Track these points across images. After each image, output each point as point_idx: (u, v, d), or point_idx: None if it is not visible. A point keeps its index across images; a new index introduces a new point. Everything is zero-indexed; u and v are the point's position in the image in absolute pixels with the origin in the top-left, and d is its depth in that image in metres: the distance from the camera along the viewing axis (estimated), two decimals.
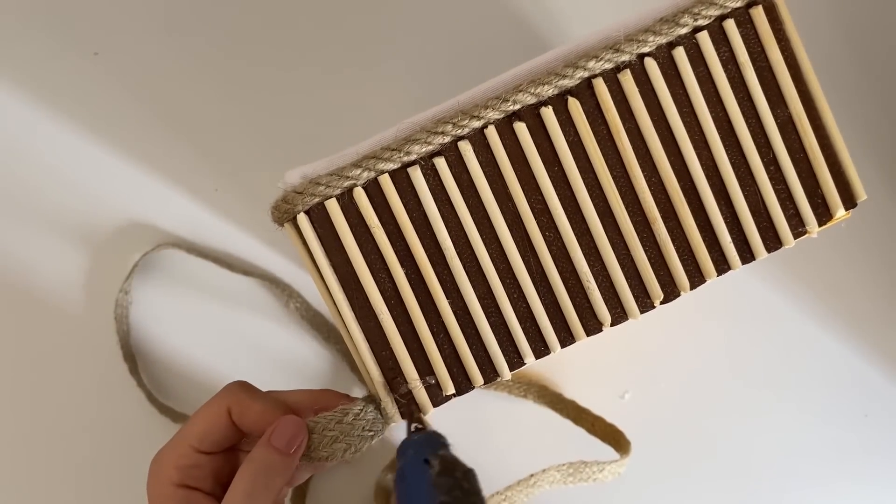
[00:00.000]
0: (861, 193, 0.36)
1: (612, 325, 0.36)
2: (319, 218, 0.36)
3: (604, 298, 0.36)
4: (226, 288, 0.49)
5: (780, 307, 0.49)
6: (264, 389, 0.37)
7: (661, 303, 0.36)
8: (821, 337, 0.49)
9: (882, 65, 0.49)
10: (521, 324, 0.36)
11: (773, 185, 0.36)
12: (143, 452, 0.47)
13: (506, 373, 0.36)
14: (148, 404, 0.48)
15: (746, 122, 0.36)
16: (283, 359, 0.49)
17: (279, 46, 0.49)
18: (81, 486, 0.48)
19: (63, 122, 0.49)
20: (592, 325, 0.36)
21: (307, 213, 0.36)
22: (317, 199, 0.36)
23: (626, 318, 0.36)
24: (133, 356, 0.48)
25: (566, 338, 0.36)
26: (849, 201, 0.36)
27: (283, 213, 0.36)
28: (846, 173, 0.36)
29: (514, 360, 0.36)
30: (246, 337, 0.49)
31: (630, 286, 0.36)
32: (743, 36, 0.36)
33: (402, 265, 0.36)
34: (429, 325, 0.36)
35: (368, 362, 0.36)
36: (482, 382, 0.36)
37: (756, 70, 0.36)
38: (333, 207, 0.36)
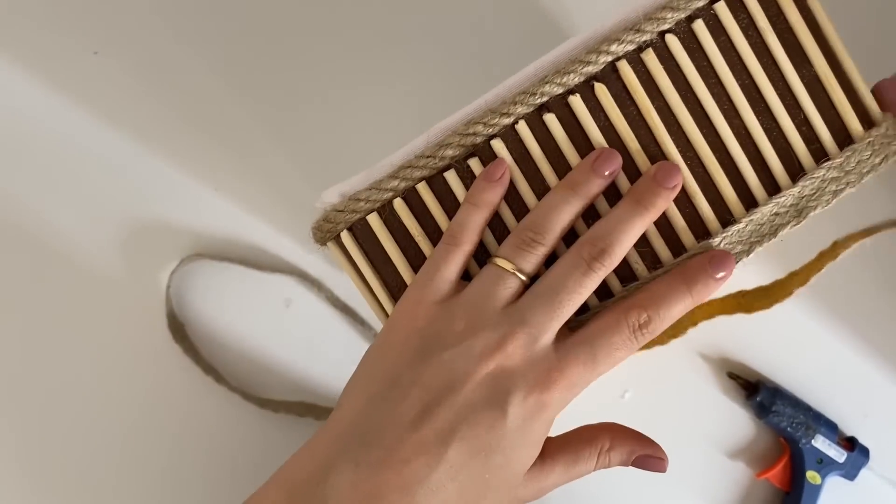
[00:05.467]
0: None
1: None
2: (363, 233, 0.36)
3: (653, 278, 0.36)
4: (256, 285, 0.49)
5: (779, 306, 0.48)
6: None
7: None
8: (821, 336, 0.49)
9: None
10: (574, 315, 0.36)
11: (808, 147, 0.36)
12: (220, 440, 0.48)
13: None
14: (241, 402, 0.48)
15: (773, 85, 0.36)
16: (325, 347, 0.49)
17: (288, 45, 0.49)
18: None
19: (64, 121, 0.48)
20: None
21: (350, 229, 0.36)
22: (358, 216, 0.36)
23: None
24: (214, 367, 0.48)
25: None
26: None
27: (326, 233, 0.36)
28: (878, 122, 0.36)
29: None
30: (288, 331, 0.49)
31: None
32: (760, 0, 0.36)
33: None
34: None
35: None
36: None
37: (777, 33, 0.36)
38: (375, 221, 0.36)
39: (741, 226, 0.35)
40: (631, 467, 0.35)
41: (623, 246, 0.33)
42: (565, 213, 0.33)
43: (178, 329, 0.48)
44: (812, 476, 0.47)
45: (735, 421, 0.49)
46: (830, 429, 0.48)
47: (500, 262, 0.32)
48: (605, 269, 0.33)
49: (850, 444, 0.48)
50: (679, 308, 0.33)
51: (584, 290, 0.32)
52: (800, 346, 0.49)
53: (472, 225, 0.34)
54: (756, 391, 0.48)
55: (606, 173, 0.34)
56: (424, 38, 0.49)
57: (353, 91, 0.49)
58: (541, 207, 0.33)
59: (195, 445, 0.48)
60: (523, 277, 0.32)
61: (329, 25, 0.49)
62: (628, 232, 0.33)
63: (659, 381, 0.49)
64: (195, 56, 0.49)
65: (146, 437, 0.48)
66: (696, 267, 0.34)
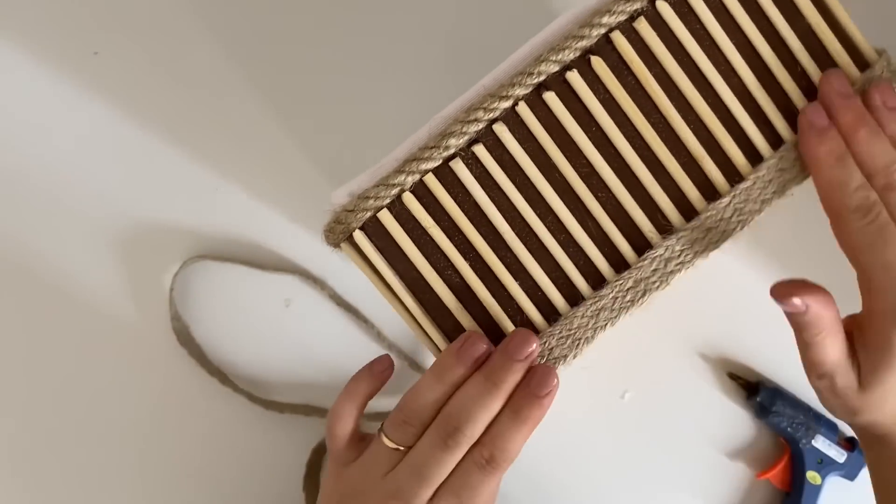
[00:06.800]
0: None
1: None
2: (375, 231, 0.36)
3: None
4: (259, 285, 0.49)
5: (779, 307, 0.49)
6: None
7: None
8: None
9: None
10: (595, 292, 0.36)
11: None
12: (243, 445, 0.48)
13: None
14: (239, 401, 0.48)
15: (768, 41, 0.36)
16: (332, 345, 0.49)
17: (289, 46, 0.49)
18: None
19: (63, 123, 0.48)
20: None
21: (362, 228, 0.36)
22: (369, 213, 0.36)
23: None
24: (219, 368, 0.48)
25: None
26: None
27: (339, 235, 0.36)
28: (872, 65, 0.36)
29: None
30: (292, 330, 0.49)
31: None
32: None
33: (466, 257, 0.36)
34: (505, 311, 0.36)
35: None
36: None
37: None
38: (387, 217, 0.36)
39: (749, 184, 0.36)
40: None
41: (477, 424, 0.34)
42: (431, 398, 0.35)
43: (183, 331, 0.48)
44: (812, 476, 0.47)
45: (735, 421, 0.49)
46: (830, 429, 0.47)
47: (385, 440, 0.36)
48: (464, 444, 0.34)
49: (851, 444, 0.47)
50: (517, 437, 0.34)
51: (449, 461, 0.35)
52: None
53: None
54: (756, 391, 0.48)
55: (471, 361, 0.35)
56: (421, 25, 0.49)
57: (351, 88, 0.48)
58: (411, 393, 0.36)
59: (201, 446, 0.48)
60: (402, 448, 0.35)
61: (325, 21, 0.49)
62: (480, 411, 0.34)
63: (659, 381, 0.49)
64: (196, 58, 0.48)
65: (152, 438, 0.48)
66: (520, 395, 0.35)
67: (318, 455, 0.48)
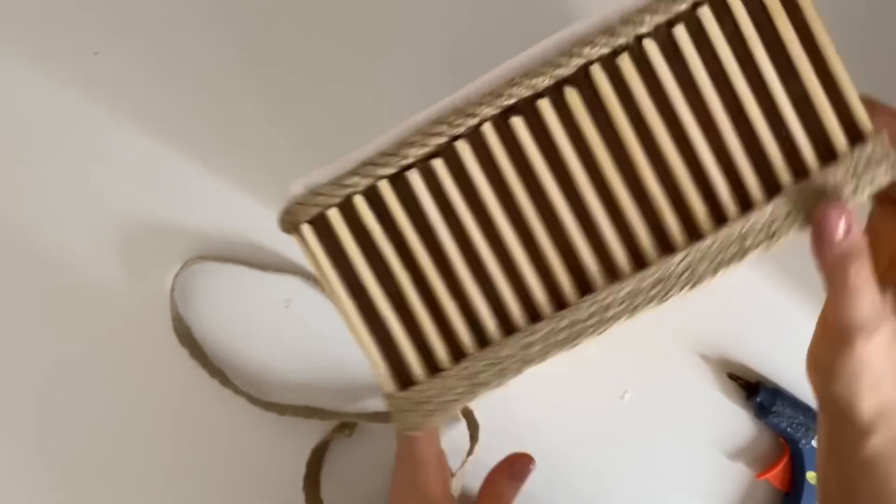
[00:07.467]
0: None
1: None
2: (322, 227, 0.36)
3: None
4: (259, 285, 0.49)
5: (780, 307, 0.48)
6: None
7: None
8: None
9: None
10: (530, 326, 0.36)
11: (788, 164, 0.34)
12: (251, 450, 0.49)
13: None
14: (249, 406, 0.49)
15: (757, 99, 0.34)
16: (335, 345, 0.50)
17: (289, 44, 0.49)
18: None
19: (63, 125, 0.49)
20: None
21: (310, 223, 0.36)
22: (318, 209, 0.36)
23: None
24: (220, 369, 0.49)
25: None
26: None
27: (288, 225, 0.36)
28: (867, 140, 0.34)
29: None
30: (292, 331, 0.50)
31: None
32: (746, 5, 0.33)
33: (406, 269, 0.36)
34: (436, 328, 0.36)
35: (378, 363, 0.36)
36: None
37: (763, 42, 0.33)
38: (335, 216, 0.36)
39: (707, 243, 0.34)
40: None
41: None
42: None
43: (184, 332, 0.48)
44: (812, 477, 0.47)
45: (735, 421, 0.49)
46: None
47: None
48: None
49: None
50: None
51: None
52: (800, 347, 0.46)
53: None
54: (756, 392, 0.48)
55: None
56: (424, 28, 0.48)
57: (351, 90, 0.49)
58: None
59: (202, 447, 0.49)
60: None
61: (326, 24, 0.49)
62: None
63: (659, 381, 0.49)
64: (196, 58, 0.49)
65: (153, 439, 0.49)
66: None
67: (318, 456, 0.49)
